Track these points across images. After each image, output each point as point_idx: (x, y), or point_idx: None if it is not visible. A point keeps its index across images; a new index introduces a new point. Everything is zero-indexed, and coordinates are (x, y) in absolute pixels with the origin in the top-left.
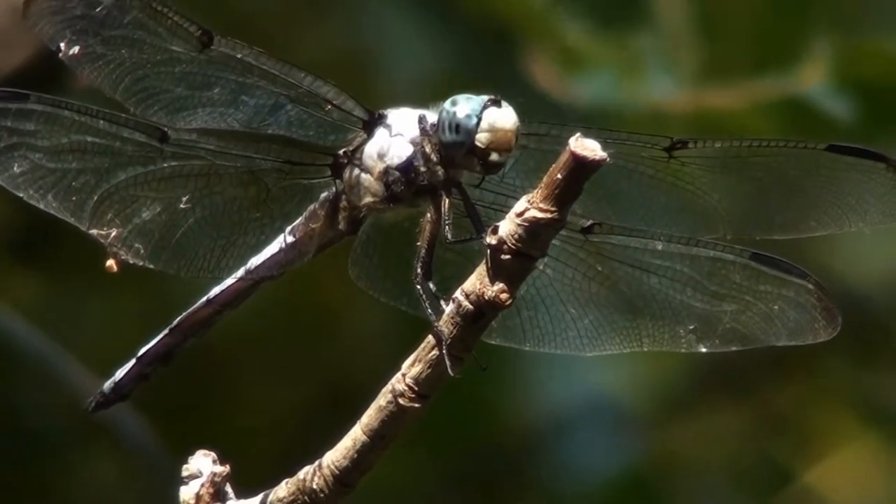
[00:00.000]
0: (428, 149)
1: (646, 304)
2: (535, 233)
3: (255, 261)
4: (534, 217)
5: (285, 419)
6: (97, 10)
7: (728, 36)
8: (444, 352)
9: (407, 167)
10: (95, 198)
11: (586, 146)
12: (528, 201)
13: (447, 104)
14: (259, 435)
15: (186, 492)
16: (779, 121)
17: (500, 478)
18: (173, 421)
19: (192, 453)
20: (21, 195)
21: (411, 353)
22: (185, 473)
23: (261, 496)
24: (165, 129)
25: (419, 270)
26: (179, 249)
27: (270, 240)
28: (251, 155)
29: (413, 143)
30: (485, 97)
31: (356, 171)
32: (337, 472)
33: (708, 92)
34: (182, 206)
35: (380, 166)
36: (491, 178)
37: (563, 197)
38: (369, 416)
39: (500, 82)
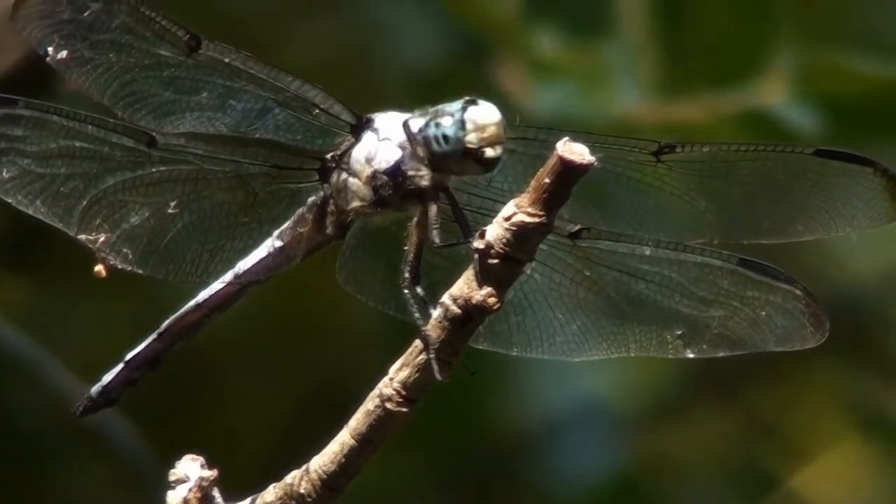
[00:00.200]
0: (416, 153)
1: (633, 310)
2: (522, 237)
3: (243, 265)
4: (521, 221)
5: (273, 423)
6: (85, 14)
7: (691, 49)
8: (431, 356)
9: (395, 171)
10: (84, 203)
11: (574, 150)
12: (516, 205)
13: (430, 122)
14: (247, 439)
15: (174, 496)
16: (742, 133)
17: (493, 480)
18: (161, 425)
19: (180, 458)
20: (9, 200)
21: (399, 357)
22: (172, 478)
23: (248, 500)
24: (153, 134)
25: (407, 274)
26: (167, 254)
27: (258, 244)
28: (239, 159)
29: (401, 147)
30: (459, 101)
31: (344, 175)
32: (324, 476)
33: (672, 104)
34: (170, 210)
35: (367, 170)
36: (478, 182)
37: (550, 201)
38: (357, 421)
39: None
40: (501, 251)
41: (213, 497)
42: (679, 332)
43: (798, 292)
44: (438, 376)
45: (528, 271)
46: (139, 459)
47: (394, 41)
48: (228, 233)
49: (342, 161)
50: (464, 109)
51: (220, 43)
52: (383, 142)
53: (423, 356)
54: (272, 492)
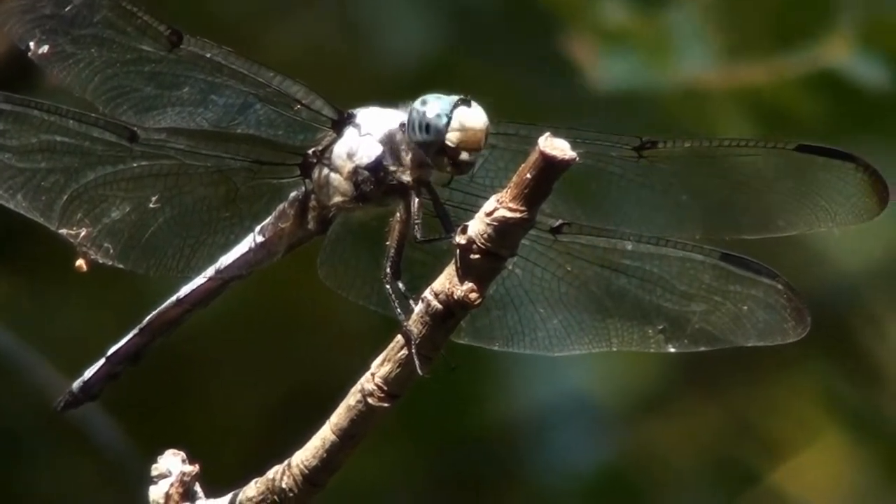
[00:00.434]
0: (397, 148)
1: (615, 304)
2: (504, 232)
3: (225, 260)
4: (503, 217)
5: (255, 418)
6: (67, 9)
7: (756, 11)
8: (413, 351)
9: (376, 167)
10: (65, 197)
11: (556, 146)
12: (498, 201)
13: (417, 104)
14: (228, 434)
15: (156, 491)
16: (810, 93)
17: (482, 474)
18: (142, 420)
19: (162, 453)
20: None
21: (381, 352)
22: (154, 473)
23: (230, 496)
24: (135, 129)
25: (388, 270)
26: (149, 249)
27: (240, 239)
28: (220, 154)
29: (382, 142)
30: (455, 97)
31: (325, 170)
32: (306, 471)
33: (739, 68)
34: (151, 205)
35: (349, 166)
36: (461, 177)
37: (532, 196)
38: (339, 416)
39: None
40: (483, 246)
41: (195, 492)
42: (661, 327)
43: (780, 287)
44: (420, 371)
45: (510, 266)
46: (121, 454)
47: (377, 36)
48: (210, 228)
49: (324, 156)
50: (454, 106)
51: (202, 38)
52: (365, 137)
53: (404, 351)
54: (254, 487)
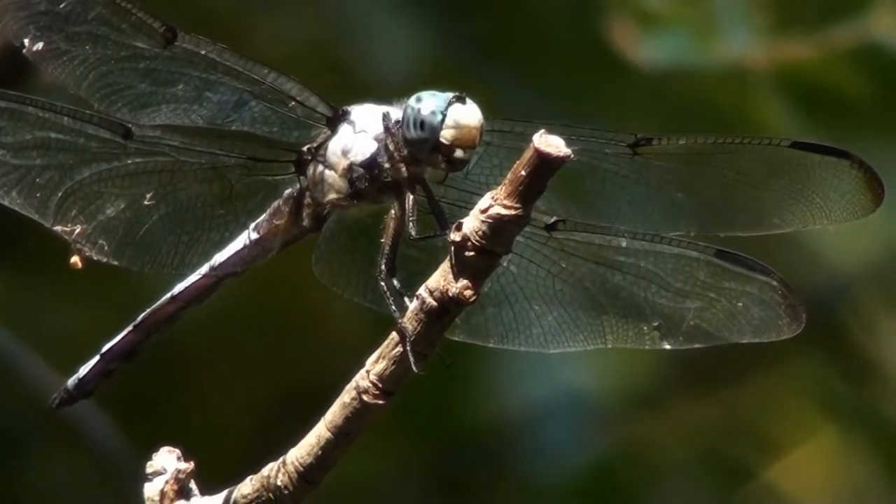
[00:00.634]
0: (392, 145)
1: (609, 301)
2: (499, 229)
3: (219, 257)
4: (498, 214)
5: (250, 415)
6: (61, 6)
7: None
8: (407, 348)
9: (371, 164)
10: (59, 194)
11: (550, 143)
12: (493, 198)
13: (412, 101)
14: (223, 431)
15: (151, 488)
16: (857, 68)
17: (477, 471)
18: (137, 417)
19: (157, 450)
20: None
21: (375, 349)
22: (149, 470)
23: (225, 493)
24: (129, 126)
25: (383, 267)
26: (143, 246)
27: (234, 236)
28: (215, 151)
29: (377, 139)
30: (449, 94)
31: (320, 167)
32: (301, 468)
33: (784, 45)
34: (146, 202)
35: (344, 163)
36: (455, 174)
37: (527, 193)
38: (333, 413)
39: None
40: (478, 243)
41: (190, 489)
42: (655, 324)
43: (774, 283)
44: (415, 368)
45: (505, 263)
46: (116, 452)
47: (371, 34)
48: (204, 225)
49: (318, 153)
50: (449, 103)
51: (196, 35)
52: (359, 134)
53: (399, 348)
54: (249, 484)
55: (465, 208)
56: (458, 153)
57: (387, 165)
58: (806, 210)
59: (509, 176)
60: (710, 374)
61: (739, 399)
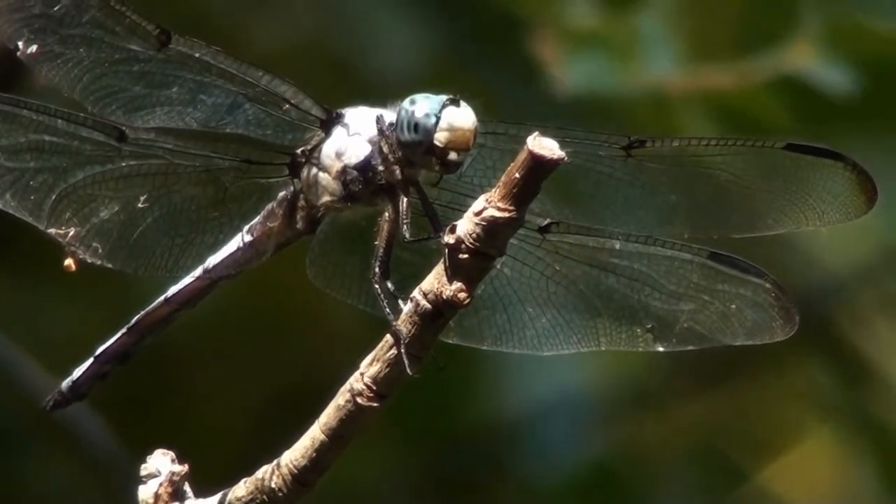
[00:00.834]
0: (386, 148)
1: (603, 304)
2: (493, 232)
3: (213, 260)
4: (492, 216)
5: (244, 418)
6: (55, 8)
7: (720, 16)
8: (402, 351)
9: (364, 166)
10: (53, 197)
11: (544, 145)
12: (486, 200)
13: (405, 103)
14: (218, 434)
15: (145, 491)
16: (775, 98)
17: (473, 473)
18: (131, 420)
19: (151, 452)
20: None
21: (370, 352)
22: (143, 472)
23: (219, 495)
24: (123, 129)
25: (377, 269)
26: (137, 248)
27: (228, 239)
28: (209, 154)
29: (371, 142)
30: (443, 96)
31: (314, 170)
32: (295, 471)
33: (704, 72)
34: (140, 205)
35: (337, 165)
36: (449, 177)
37: (521, 196)
38: (328, 416)
39: (489, 70)
40: (472, 246)
41: (184, 492)
42: (649, 326)
43: (768, 285)
44: (409, 371)
45: (499, 266)
46: (110, 454)
47: (368, 36)
48: (198, 227)
49: (312, 156)
50: (443, 106)
51: (191, 38)
52: (353, 136)
53: (393, 351)
54: (243, 487)
55: (459, 211)
56: (452, 156)
57: (381, 168)
58: (799, 212)
59: (503, 178)
60: (703, 375)
61: (735, 400)
